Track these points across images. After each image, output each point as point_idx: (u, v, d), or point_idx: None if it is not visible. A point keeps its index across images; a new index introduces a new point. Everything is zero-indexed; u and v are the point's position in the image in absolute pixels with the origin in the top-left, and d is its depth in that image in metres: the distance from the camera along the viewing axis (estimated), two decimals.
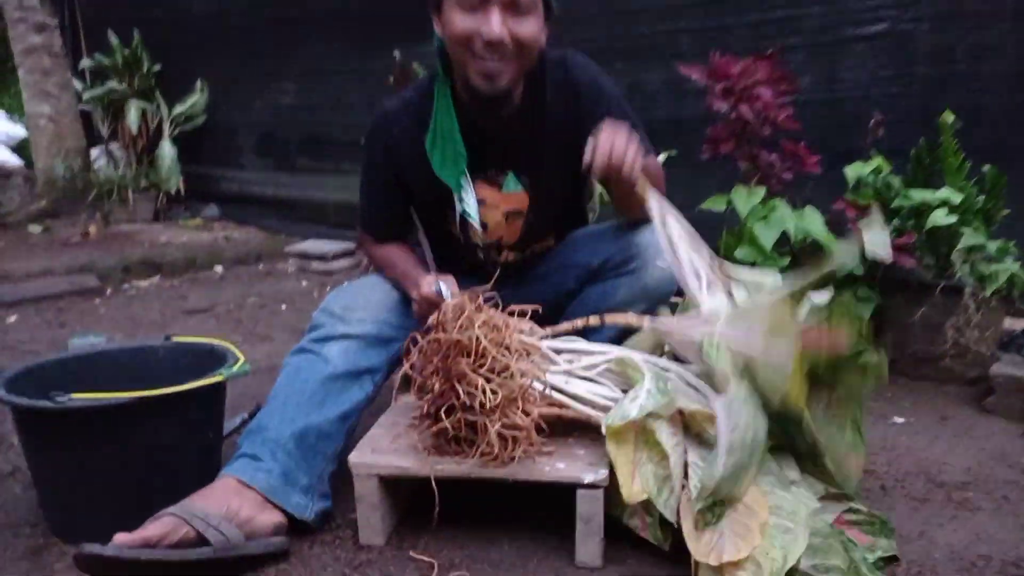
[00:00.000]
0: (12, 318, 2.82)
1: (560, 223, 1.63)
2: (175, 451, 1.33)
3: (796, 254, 2.02)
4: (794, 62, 2.47)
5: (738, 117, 2.07)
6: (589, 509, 1.20)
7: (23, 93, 4.75)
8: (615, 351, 1.33)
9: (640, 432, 1.21)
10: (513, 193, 1.52)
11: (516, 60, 1.34)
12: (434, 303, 1.33)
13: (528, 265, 1.65)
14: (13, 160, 4.93)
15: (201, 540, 1.16)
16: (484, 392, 1.19)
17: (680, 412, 1.22)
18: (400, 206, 1.59)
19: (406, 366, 1.28)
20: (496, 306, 1.30)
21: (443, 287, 1.37)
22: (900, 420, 1.79)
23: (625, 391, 1.29)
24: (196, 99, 4.78)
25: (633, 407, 1.19)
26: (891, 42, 2.45)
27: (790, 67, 2.18)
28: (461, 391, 1.21)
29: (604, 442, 1.19)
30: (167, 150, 4.73)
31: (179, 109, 4.76)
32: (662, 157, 2.48)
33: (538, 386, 1.26)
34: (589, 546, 1.21)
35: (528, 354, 1.30)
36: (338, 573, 1.21)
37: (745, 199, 2.04)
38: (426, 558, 1.23)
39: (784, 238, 2.00)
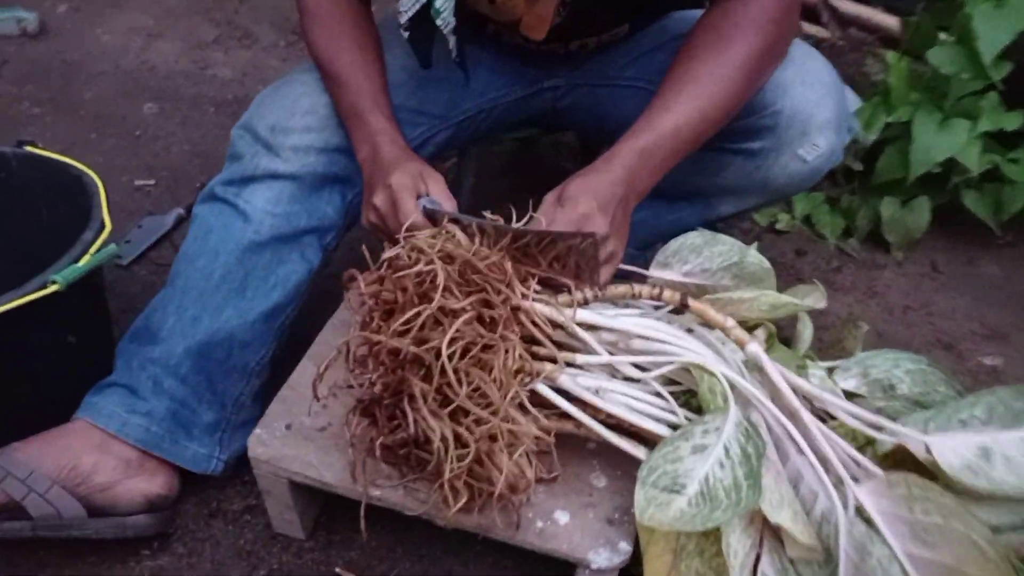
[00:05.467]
0: None
1: (631, 7, 1.00)
2: None
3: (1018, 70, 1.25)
4: None
5: None
6: None
7: None
8: (687, 351, 0.79)
9: None
10: None
11: None
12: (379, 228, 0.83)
13: (590, 57, 1.05)
14: None
15: (17, 510, 0.81)
16: (445, 441, 0.71)
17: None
18: None
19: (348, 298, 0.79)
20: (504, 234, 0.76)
21: (427, 204, 0.80)
22: None
23: (689, 411, 0.79)
24: None
25: (689, 487, 0.70)
26: None
27: None
28: (410, 419, 0.73)
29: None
30: None
31: None
32: None
33: (547, 393, 0.77)
34: None
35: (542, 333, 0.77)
36: None
37: None
38: None
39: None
